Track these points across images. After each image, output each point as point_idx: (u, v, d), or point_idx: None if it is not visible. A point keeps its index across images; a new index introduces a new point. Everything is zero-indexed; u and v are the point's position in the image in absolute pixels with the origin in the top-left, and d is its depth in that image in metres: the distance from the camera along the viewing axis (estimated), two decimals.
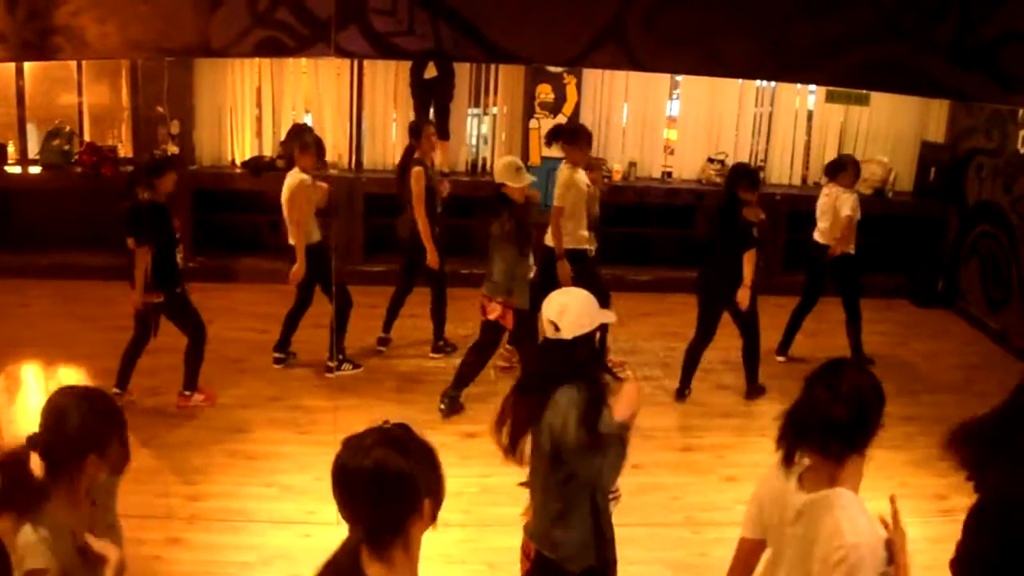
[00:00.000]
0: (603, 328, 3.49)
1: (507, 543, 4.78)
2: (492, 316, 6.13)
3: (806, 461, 2.64)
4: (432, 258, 6.95)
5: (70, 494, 2.46)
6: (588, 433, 3.12)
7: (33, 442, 2.42)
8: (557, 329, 3.23)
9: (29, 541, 2.36)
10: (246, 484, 5.36)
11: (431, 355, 7.30)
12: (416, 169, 6.93)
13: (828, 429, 2.50)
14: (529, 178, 6.07)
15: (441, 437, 6.37)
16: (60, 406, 2.45)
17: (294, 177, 6.61)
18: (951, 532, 5.17)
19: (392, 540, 2.12)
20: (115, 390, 5.95)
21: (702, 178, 9.47)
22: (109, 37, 4.04)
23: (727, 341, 7.10)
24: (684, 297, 7.31)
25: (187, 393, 6.17)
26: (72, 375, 6.70)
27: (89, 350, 6.91)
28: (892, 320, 7.64)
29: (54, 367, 6.79)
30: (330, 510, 5.30)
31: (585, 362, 3.29)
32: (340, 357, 6.84)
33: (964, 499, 5.55)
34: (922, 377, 7.43)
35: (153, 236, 5.84)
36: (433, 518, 2.16)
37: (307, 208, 6.64)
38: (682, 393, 6.78)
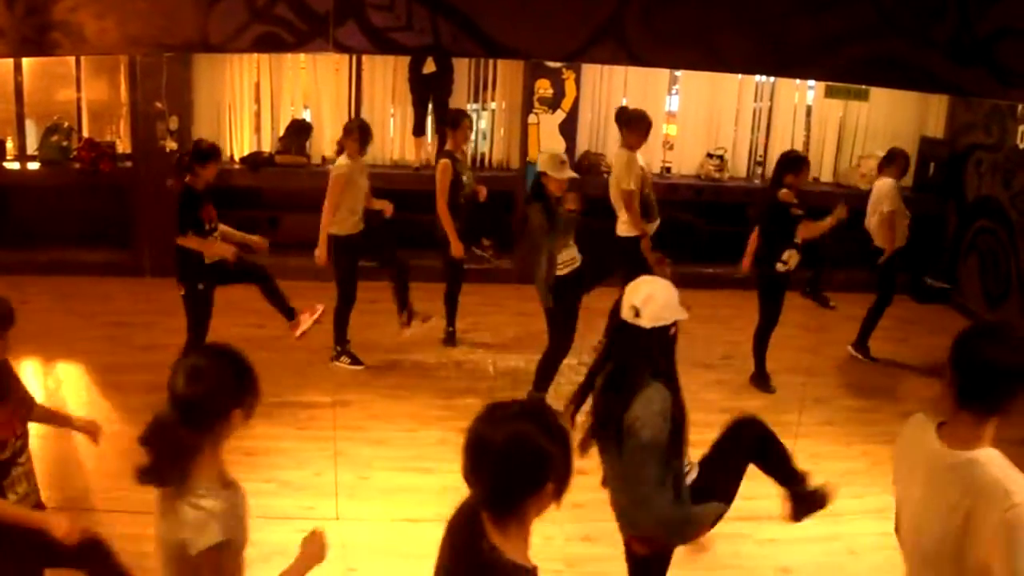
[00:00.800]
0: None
1: None
2: None
3: (924, 417, 2.66)
4: (456, 247, 7.00)
5: (213, 454, 2.49)
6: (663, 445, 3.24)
7: (178, 405, 2.41)
8: (637, 315, 3.23)
9: (206, 512, 2.40)
10: (244, 480, 5.28)
11: (443, 344, 7.36)
12: (443, 161, 7.00)
13: (994, 375, 2.49)
14: (570, 173, 6.00)
15: (440, 433, 6.42)
16: (200, 367, 2.45)
17: (337, 163, 6.72)
18: None
19: (510, 513, 2.14)
20: None
21: (701, 173, 9.47)
22: (107, 33, 4.03)
23: (728, 335, 7.11)
24: (685, 293, 7.31)
25: None
26: (71, 371, 6.71)
27: (88, 346, 6.92)
28: (891, 315, 7.63)
29: (53, 363, 6.80)
30: (329, 505, 5.28)
31: (661, 354, 3.29)
32: (338, 349, 6.86)
33: None
34: (920, 373, 7.44)
35: (184, 223, 5.90)
36: (555, 500, 2.16)
37: (350, 194, 6.64)
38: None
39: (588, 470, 5.38)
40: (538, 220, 5.87)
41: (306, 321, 6.38)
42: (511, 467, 2.10)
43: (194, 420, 2.41)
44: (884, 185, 7.33)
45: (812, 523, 5.19)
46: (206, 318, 6.12)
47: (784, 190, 6.48)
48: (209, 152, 6.07)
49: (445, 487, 5.36)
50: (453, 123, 7.14)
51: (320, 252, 6.67)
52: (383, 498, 5.14)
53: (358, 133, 6.69)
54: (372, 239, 6.84)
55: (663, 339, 3.28)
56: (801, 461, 5.13)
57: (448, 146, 7.13)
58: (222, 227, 6.21)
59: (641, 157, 7.00)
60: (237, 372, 2.48)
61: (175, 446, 2.40)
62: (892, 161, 7.42)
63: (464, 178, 7.09)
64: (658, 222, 7.03)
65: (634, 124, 6.90)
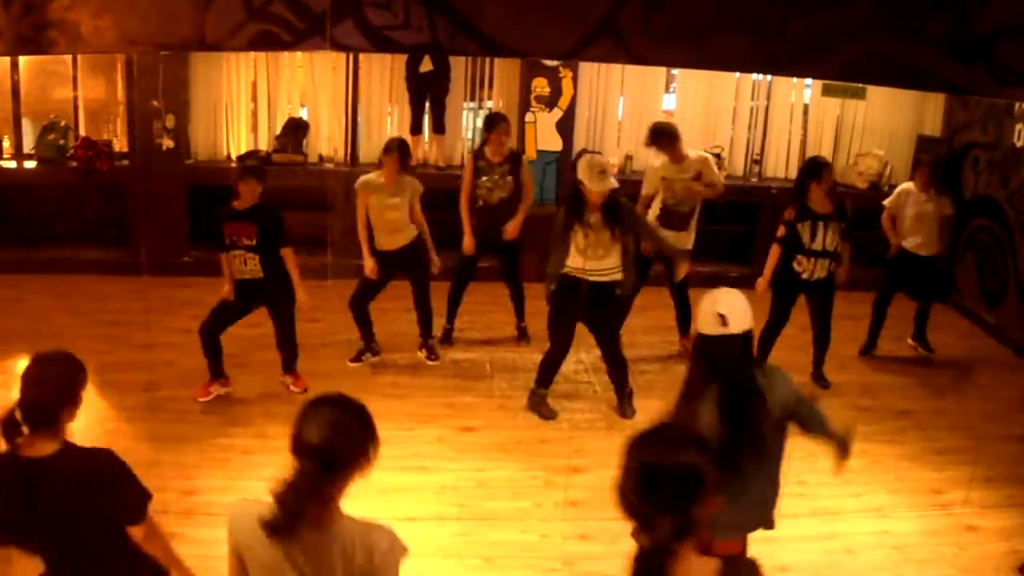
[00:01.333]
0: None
1: (503, 537, 4.80)
2: None
3: None
4: (467, 243, 7.08)
5: (338, 498, 2.58)
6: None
7: (313, 455, 2.51)
8: (725, 323, 3.32)
9: (380, 525, 2.59)
10: (241, 479, 5.35)
11: (440, 343, 7.33)
12: (467, 156, 7.24)
13: None
14: (611, 184, 5.81)
15: (437, 431, 6.42)
16: (333, 419, 2.57)
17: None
18: (947, 526, 5.19)
19: (691, 536, 2.12)
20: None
21: None
22: (104, 31, 4.02)
23: None
24: None
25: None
26: None
27: (85, 345, 6.89)
28: (888, 314, 7.65)
29: None
30: None
31: (750, 355, 3.43)
32: (375, 348, 7.01)
33: (960, 493, 5.55)
34: (917, 371, 7.45)
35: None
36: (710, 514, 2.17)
37: (377, 211, 6.61)
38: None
39: (584, 468, 5.41)
40: (559, 225, 5.95)
41: (289, 384, 6.42)
42: (692, 494, 2.10)
43: (330, 468, 2.51)
44: (900, 187, 7.65)
45: (810, 522, 5.21)
46: (218, 317, 6.18)
47: (789, 208, 6.54)
48: (247, 171, 6.11)
49: (443, 486, 5.37)
50: (487, 125, 7.15)
51: (366, 264, 6.69)
52: (381, 497, 5.12)
53: (396, 153, 6.52)
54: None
55: (749, 344, 3.40)
56: (798, 460, 5.13)
57: (487, 148, 7.15)
58: (290, 256, 6.15)
59: (690, 169, 6.95)
60: (363, 423, 2.61)
61: (312, 495, 2.50)
62: (916, 168, 7.76)
63: (483, 178, 7.07)
64: (681, 233, 7.05)
65: (660, 141, 6.98)
